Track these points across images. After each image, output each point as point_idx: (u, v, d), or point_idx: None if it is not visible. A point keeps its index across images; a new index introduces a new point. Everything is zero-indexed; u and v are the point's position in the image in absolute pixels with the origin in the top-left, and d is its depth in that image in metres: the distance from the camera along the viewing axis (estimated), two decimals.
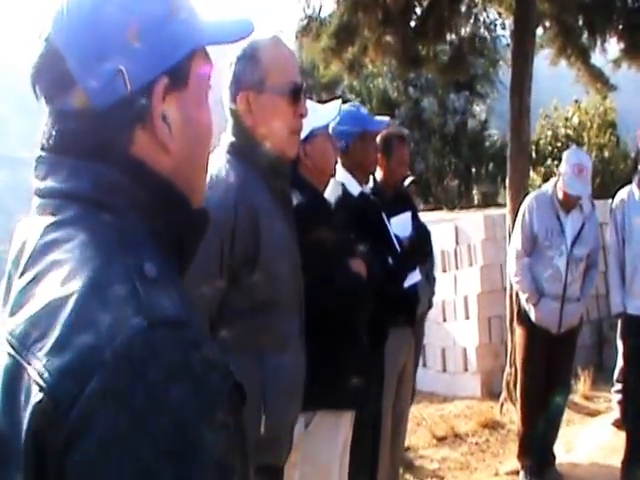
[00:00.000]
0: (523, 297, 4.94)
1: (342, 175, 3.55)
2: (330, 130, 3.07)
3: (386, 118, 3.86)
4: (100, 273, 0.86)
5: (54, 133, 0.98)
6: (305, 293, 2.24)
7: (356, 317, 2.82)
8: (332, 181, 3.12)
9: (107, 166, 0.95)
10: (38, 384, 0.81)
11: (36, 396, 0.80)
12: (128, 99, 0.95)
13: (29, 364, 0.83)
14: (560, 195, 4.74)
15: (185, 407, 0.79)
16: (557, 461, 5.20)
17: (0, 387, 0.86)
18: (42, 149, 0.99)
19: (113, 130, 0.96)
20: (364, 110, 3.70)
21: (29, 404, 0.81)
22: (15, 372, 0.85)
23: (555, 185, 4.82)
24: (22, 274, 0.93)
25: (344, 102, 3.86)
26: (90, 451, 0.77)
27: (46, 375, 0.80)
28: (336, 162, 3.04)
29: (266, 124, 2.17)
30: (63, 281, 0.86)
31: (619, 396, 5.83)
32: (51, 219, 0.94)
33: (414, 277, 3.97)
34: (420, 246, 4.33)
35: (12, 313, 0.90)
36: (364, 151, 3.63)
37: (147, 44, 0.95)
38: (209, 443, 0.81)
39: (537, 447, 5.02)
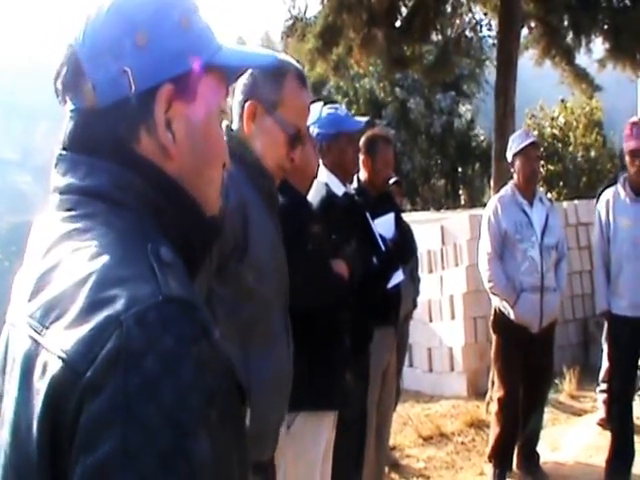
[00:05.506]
0: (497, 300, 4.95)
1: (326, 176, 3.55)
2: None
3: (364, 118, 3.85)
4: (119, 256, 0.90)
5: (71, 131, 1.03)
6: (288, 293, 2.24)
7: (338, 318, 2.81)
8: (316, 182, 3.11)
9: (121, 166, 0.99)
10: (58, 356, 0.83)
11: (55, 366, 0.83)
12: (132, 99, 0.99)
13: (49, 340, 0.85)
14: (522, 180, 4.84)
15: (190, 385, 0.81)
16: (542, 460, 5.21)
17: (19, 369, 0.89)
18: (63, 148, 1.03)
19: (119, 128, 1.00)
20: (343, 111, 3.68)
21: (46, 376, 0.83)
22: (33, 353, 0.87)
23: (513, 184, 4.92)
24: (39, 263, 0.96)
25: (329, 103, 3.86)
26: (98, 411, 0.79)
27: (65, 346, 0.83)
28: (318, 164, 3.04)
29: (260, 143, 2.21)
30: (83, 265, 0.89)
31: (604, 396, 5.85)
32: (70, 212, 0.98)
33: (397, 277, 3.97)
34: (404, 246, 4.34)
35: (30, 299, 0.93)
36: (340, 152, 3.63)
37: (154, 50, 1.00)
38: (208, 421, 0.82)
39: (508, 453, 5.05)
